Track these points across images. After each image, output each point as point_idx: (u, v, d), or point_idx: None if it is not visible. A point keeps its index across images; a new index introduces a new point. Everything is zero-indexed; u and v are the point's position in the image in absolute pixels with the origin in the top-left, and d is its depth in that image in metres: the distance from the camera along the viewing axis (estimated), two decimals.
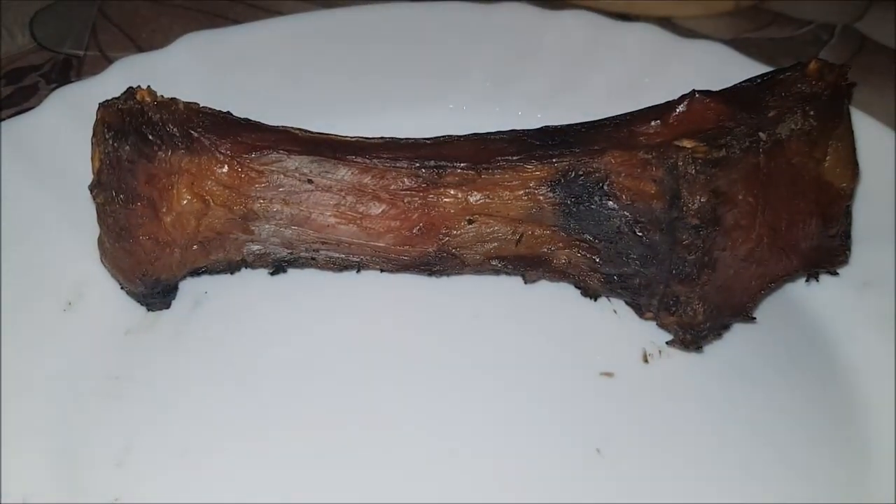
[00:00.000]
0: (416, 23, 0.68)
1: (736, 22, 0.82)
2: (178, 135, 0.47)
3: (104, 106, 0.47)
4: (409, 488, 0.45)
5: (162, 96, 0.48)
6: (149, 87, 0.48)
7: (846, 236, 0.52)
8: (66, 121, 0.57)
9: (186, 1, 0.81)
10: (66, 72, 0.72)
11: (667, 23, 0.80)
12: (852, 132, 0.50)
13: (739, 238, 0.47)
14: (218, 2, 0.81)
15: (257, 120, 0.51)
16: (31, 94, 0.70)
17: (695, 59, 0.65)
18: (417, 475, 0.45)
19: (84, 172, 0.49)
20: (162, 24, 0.78)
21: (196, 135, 0.47)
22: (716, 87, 0.52)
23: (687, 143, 0.46)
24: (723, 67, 0.62)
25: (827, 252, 0.51)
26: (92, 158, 0.47)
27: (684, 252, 0.47)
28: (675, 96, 0.50)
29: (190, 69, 0.62)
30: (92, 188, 0.47)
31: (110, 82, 0.58)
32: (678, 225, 0.46)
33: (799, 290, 0.55)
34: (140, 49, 0.74)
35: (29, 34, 0.76)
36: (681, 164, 0.45)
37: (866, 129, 0.58)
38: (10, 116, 0.64)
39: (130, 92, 0.47)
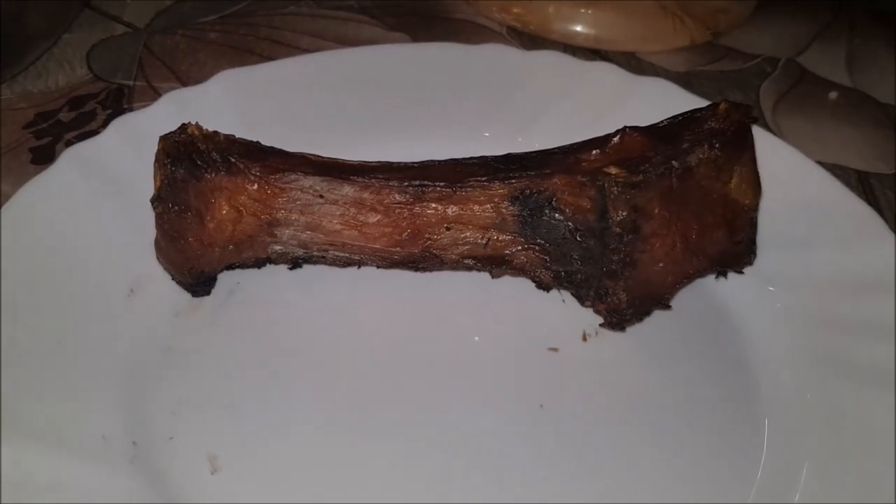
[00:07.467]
0: (411, 62, 0.71)
1: (692, 56, 0.88)
2: (219, 160, 0.52)
3: (164, 139, 0.52)
4: (379, 455, 0.50)
5: (206, 129, 0.53)
6: (197, 123, 0.53)
7: (751, 242, 0.56)
8: (125, 144, 0.61)
9: (219, 38, 0.87)
10: (119, 99, 0.76)
11: (632, 56, 0.86)
12: (754, 159, 0.54)
13: (656, 244, 0.52)
14: (245, 38, 0.87)
15: (279, 146, 0.55)
16: (90, 118, 0.74)
17: (645, 95, 0.68)
18: (383, 441, 0.51)
19: (141, 187, 0.54)
20: (199, 58, 0.83)
21: (233, 160, 0.52)
22: (664, 117, 0.55)
23: (613, 170, 0.51)
24: (669, 101, 0.65)
25: (733, 255, 0.56)
26: (154, 178, 0.52)
27: (611, 254, 0.52)
28: None
29: (224, 101, 0.66)
30: (153, 201, 0.52)
31: (159, 112, 0.65)
32: (607, 233, 0.51)
33: (710, 285, 0.59)
34: (179, 79, 0.80)
35: (86, 66, 0.80)
36: (607, 185, 0.51)
37: (781, 152, 0.65)
38: (73, 136, 0.71)
39: (183, 127, 0.53)
